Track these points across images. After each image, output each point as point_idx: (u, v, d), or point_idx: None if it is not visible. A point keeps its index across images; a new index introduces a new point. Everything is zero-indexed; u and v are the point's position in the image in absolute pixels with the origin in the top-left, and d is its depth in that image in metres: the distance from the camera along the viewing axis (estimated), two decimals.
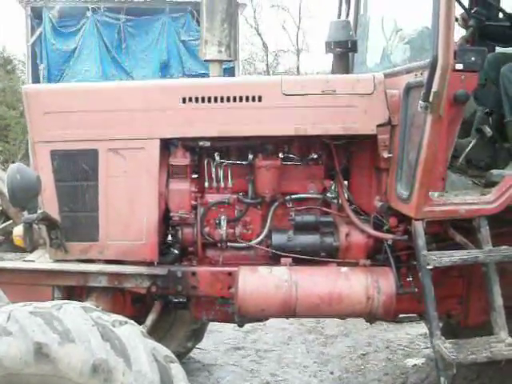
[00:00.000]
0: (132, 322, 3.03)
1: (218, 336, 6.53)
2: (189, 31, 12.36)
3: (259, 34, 29.86)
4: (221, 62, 4.39)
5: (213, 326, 6.49)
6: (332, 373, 5.59)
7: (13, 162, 17.32)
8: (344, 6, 4.97)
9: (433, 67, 3.19)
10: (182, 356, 5.44)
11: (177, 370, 2.92)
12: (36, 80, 12.61)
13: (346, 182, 4.13)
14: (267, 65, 29.70)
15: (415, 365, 5.69)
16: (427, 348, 5.97)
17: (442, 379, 3.30)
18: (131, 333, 2.88)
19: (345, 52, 4.28)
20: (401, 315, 4.47)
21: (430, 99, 3.21)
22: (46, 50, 12.36)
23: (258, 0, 29.23)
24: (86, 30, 12.34)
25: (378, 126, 3.72)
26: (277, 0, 29.21)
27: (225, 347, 6.29)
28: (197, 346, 5.77)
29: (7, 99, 18.14)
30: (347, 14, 5.08)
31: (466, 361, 3.25)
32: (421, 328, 6.28)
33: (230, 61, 4.51)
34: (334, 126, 3.73)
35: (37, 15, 12.51)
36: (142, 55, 12.77)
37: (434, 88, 3.20)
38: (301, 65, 29.11)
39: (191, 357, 5.85)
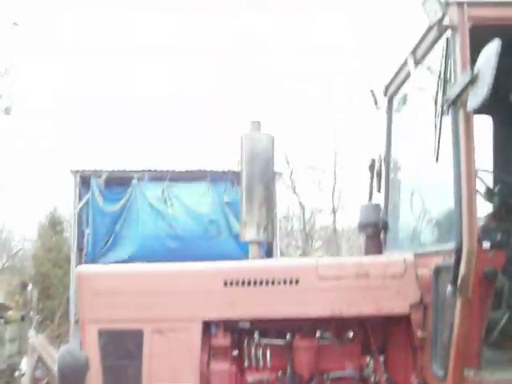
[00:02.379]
0: None
1: None
2: (230, 195, 12.90)
3: (296, 193, 30.83)
4: (259, 243, 4.69)
5: None
6: None
7: (51, 321, 17.70)
8: (374, 186, 5.31)
9: (458, 252, 3.37)
10: None
11: None
12: (81, 245, 13.12)
13: (385, 360, 4.21)
14: (304, 223, 30.35)
15: None
16: None
17: None
18: None
19: (376, 233, 4.53)
20: None
21: (459, 283, 3.36)
22: (92, 216, 12.93)
23: (294, 161, 30.49)
24: (131, 197, 12.97)
25: (411, 305, 3.86)
26: (313, 161, 30.33)
27: None
28: None
29: (53, 258, 18.77)
30: (379, 189, 5.42)
31: None
32: None
33: (267, 242, 4.81)
34: (368, 308, 3.90)
35: (85, 183, 13.25)
36: (187, 214, 13.21)
37: (462, 272, 3.36)
38: (337, 222, 29.64)
39: None
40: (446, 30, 3.64)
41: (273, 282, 3.97)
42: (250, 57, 42.16)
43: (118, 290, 4.11)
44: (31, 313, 11.91)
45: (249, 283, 3.98)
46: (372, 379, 4.17)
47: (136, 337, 4.03)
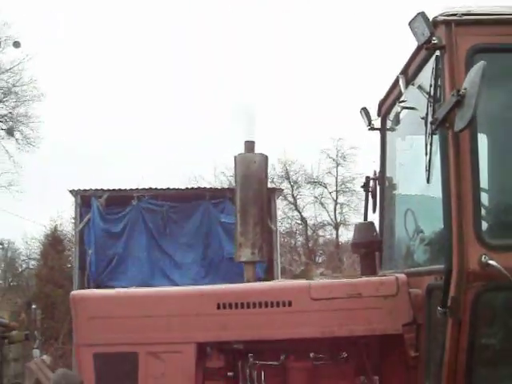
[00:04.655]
0: None
1: None
2: (228, 214, 12.96)
3: (297, 210, 30.91)
4: (254, 263, 4.72)
5: None
6: None
7: (55, 340, 17.68)
8: (370, 206, 5.34)
9: (448, 273, 3.39)
10: None
11: None
12: (83, 264, 13.17)
13: (379, 380, 4.21)
14: (306, 238, 30.39)
15: None
16: None
17: None
18: None
19: (370, 252, 4.56)
20: None
21: (449, 304, 3.38)
22: (93, 236, 13.02)
23: (296, 177, 30.61)
24: (131, 216, 13.06)
25: (404, 325, 3.88)
26: (314, 176, 30.47)
27: None
28: None
29: (55, 278, 18.82)
30: (374, 210, 5.45)
31: None
32: None
33: (262, 261, 4.84)
34: (360, 328, 3.92)
35: (85, 203, 13.34)
36: (184, 240, 13.30)
37: (452, 293, 3.38)
38: (340, 236, 29.67)
39: None
40: (434, 49, 3.67)
41: (266, 305, 4.00)
42: None
43: (112, 313, 4.13)
44: (35, 332, 11.94)
45: (242, 306, 4.00)
46: None
47: (131, 360, 4.04)
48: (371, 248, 4.59)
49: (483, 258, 3.35)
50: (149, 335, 4.05)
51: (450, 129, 3.44)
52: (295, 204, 30.92)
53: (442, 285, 3.46)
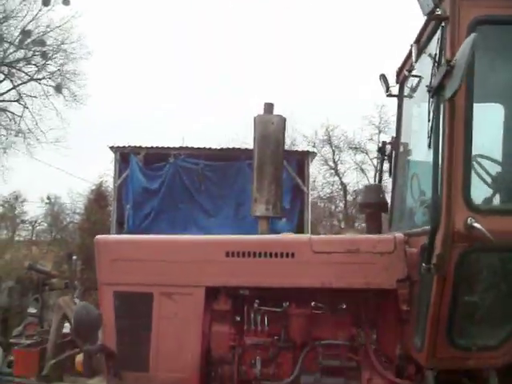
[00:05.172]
0: None
1: None
2: None
3: (338, 175, 31.00)
4: (268, 218, 5.06)
5: None
6: None
7: (95, 290, 18.32)
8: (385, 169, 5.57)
9: (432, 233, 3.64)
10: None
11: None
12: (121, 219, 13.70)
13: (374, 332, 4.50)
14: (345, 204, 30.51)
15: None
16: None
17: None
18: None
19: (375, 212, 4.82)
20: None
21: (434, 261, 3.64)
22: (131, 192, 13.49)
23: (337, 142, 30.63)
24: (168, 173, 13.47)
25: (398, 281, 4.15)
26: (355, 142, 30.43)
27: None
28: None
29: (97, 231, 19.43)
30: (390, 173, 5.69)
31: None
32: None
33: (277, 217, 5.16)
34: (357, 281, 4.21)
35: (124, 160, 13.79)
36: (218, 197, 13.67)
37: (437, 251, 3.64)
38: None
39: None
40: (438, 20, 3.84)
41: (270, 255, 4.32)
42: None
43: (132, 257, 4.54)
44: (75, 282, 12.52)
45: (249, 255, 4.34)
46: (362, 348, 4.49)
47: (147, 299, 4.44)
48: (377, 209, 4.85)
49: (469, 221, 3.58)
50: (164, 278, 4.43)
51: (443, 96, 3.65)
52: (336, 169, 31.02)
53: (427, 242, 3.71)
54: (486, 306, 3.81)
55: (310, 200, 14.38)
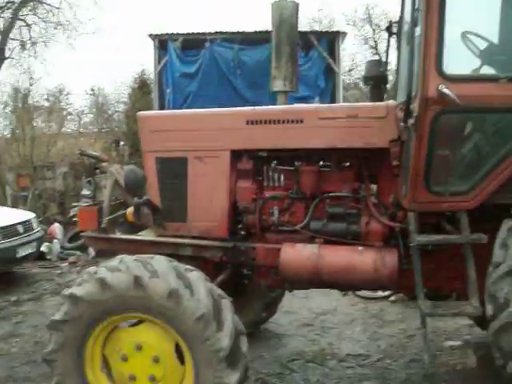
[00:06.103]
0: (199, 271, 4.46)
1: (294, 316, 7.93)
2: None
3: (378, 54, 30.82)
4: (286, 92, 5.81)
5: (291, 308, 7.92)
6: (379, 346, 6.77)
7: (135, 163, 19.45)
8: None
9: (408, 98, 4.39)
10: (259, 324, 6.95)
11: (226, 303, 4.33)
12: (162, 103, 14.56)
13: (375, 185, 5.34)
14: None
15: (452, 346, 6.69)
16: (469, 335, 6.97)
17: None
18: (197, 276, 4.33)
19: (377, 84, 5.53)
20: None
21: (412, 122, 4.37)
22: (171, 77, 14.26)
23: (377, 21, 30.26)
24: (205, 58, 14.12)
25: (391, 141, 4.92)
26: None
27: (297, 324, 7.66)
28: (274, 322, 7.20)
29: None
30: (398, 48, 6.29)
31: (436, 314, 4.40)
32: (468, 320, 7.02)
33: (292, 91, 5.91)
34: (356, 142, 4.98)
35: (163, 47, 14.45)
36: (253, 79, 14.28)
37: (415, 113, 4.34)
38: None
39: (267, 328, 7.26)
40: None
41: (283, 121, 5.11)
42: None
43: (168, 127, 5.43)
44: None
45: (265, 122, 5.15)
46: (363, 199, 5.32)
47: (182, 162, 5.36)
48: (378, 81, 5.55)
49: (440, 87, 4.24)
50: (195, 144, 5.31)
51: None
52: (376, 48, 30.76)
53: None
54: (457, 158, 4.53)
55: (341, 80, 14.89)
